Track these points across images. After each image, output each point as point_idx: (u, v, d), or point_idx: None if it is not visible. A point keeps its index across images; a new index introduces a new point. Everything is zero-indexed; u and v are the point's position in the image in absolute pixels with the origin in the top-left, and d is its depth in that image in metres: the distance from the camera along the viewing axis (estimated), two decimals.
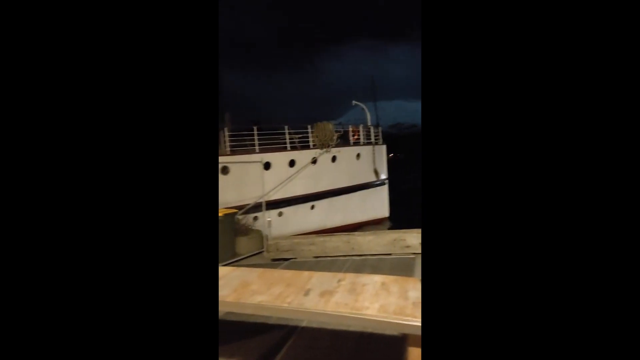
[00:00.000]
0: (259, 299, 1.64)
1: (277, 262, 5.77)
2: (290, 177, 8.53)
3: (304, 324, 2.65)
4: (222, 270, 2.11)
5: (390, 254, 5.39)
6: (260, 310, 1.60)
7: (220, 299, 1.69)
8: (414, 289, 1.69)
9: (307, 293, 1.70)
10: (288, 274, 1.97)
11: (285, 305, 1.58)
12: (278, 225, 8.06)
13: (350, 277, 1.90)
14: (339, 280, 1.85)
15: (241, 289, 1.77)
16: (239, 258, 6.05)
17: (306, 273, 1.96)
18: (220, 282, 1.89)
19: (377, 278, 1.86)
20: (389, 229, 9.08)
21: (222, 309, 1.68)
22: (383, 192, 11.16)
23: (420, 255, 5.11)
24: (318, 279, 1.87)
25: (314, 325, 2.62)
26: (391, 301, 1.57)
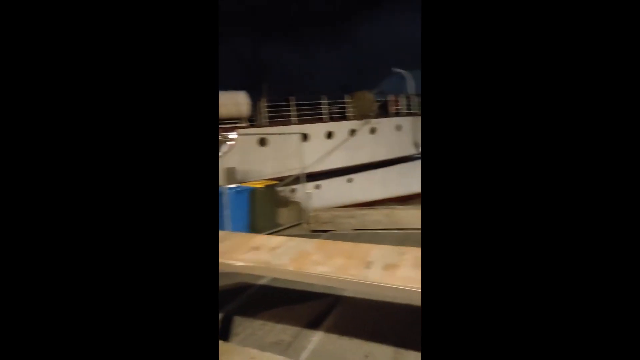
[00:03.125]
0: (320, 269, 1.60)
1: (317, 233, 5.82)
2: (331, 150, 8.41)
3: (349, 294, 2.64)
4: (277, 240, 2.10)
5: None
6: (323, 281, 1.55)
7: (279, 267, 1.67)
8: None
9: (368, 266, 1.63)
10: (347, 245, 1.90)
11: (349, 277, 1.52)
12: (315, 197, 8.09)
13: (413, 251, 1.79)
14: (402, 254, 1.76)
15: (301, 259, 1.73)
16: (280, 229, 6.17)
17: (366, 245, 1.89)
18: (277, 251, 1.88)
19: None
20: None
21: (284, 277, 1.66)
22: None
23: None
24: (379, 252, 1.80)
25: (361, 295, 2.60)
26: None
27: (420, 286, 1.41)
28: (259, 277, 3.07)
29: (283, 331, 2.20)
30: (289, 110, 8.36)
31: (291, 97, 8.35)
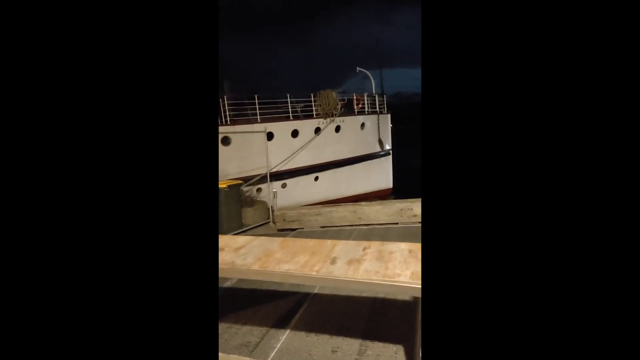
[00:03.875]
0: (285, 267, 1.59)
1: (284, 232, 5.79)
2: (297, 149, 8.38)
3: (316, 291, 2.66)
4: (241, 240, 2.06)
5: (397, 223, 5.40)
6: (288, 279, 1.55)
7: (244, 267, 1.64)
8: None
9: (333, 261, 1.65)
10: (311, 242, 1.91)
11: (314, 273, 1.53)
12: (282, 196, 8.04)
13: (375, 245, 1.84)
14: (364, 248, 1.80)
15: (265, 259, 1.71)
16: (246, 229, 6.06)
17: (329, 242, 1.91)
18: (241, 251, 1.84)
19: (404, 245, 1.81)
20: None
21: (248, 277, 1.63)
22: (387, 163, 11.06)
23: None
24: (342, 248, 1.82)
25: (327, 292, 2.63)
26: None
27: (382, 278, 1.45)
28: (225, 279, 3.00)
29: (250, 332, 2.17)
30: (252, 109, 8.21)
31: (255, 96, 8.20)
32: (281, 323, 2.27)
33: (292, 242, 1.95)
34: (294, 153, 8.34)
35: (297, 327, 2.18)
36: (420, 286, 1.39)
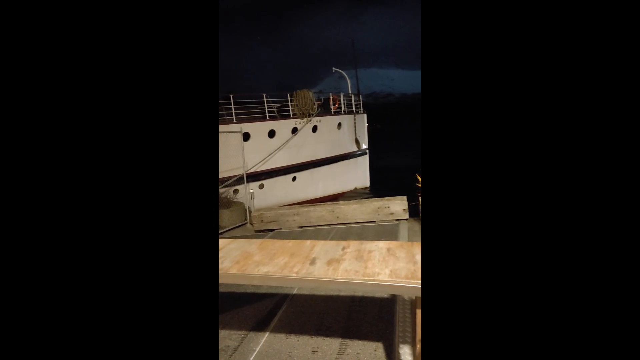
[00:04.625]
0: (264, 269, 1.58)
1: (262, 233, 5.73)
2: (274, 149, 8.30)
3: (295, 292, 2.66)
4: (219, 243, 2.01)
5: (374, 222, 5.48)
6: (267, 281, 1.53)
7: (222, 271, 1.61)
8: (420, 253, 1.69)
9: (313, 262, 1.65)
10: (290, 243, 1.90)
11: (294, 275, 1.52)
12: (259, 197, 7.95)
13: (354, 244, 1.86)
14: (344, 248, 1.81)
15: (244, 261, 1.69)
16: (223, 231, 5.94)
17: (308, 242, 1.91)
18: (219, 255, 1.80)
19: (382, 244, 1.84)
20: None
21: (226, 281, 1.60)
22: (364, 162, 11.19)
23: (403, 222, 5.23)
24: (322, 248, 1.83)
25: (306, 292, 2.63)
26: (401, 266, 1.55)
27: (362, 278, 1.47)
28: None
29: (228, 336, 2.13)
30: (227, 109, 8.05)
31: (230, 95, 8.04)
32: (260, 325, 2.24)
33: (271, 244, 1.93)
34: (271, 154, 8.26)
35: (277, 329, 2.16)
36: (399, 284, 1.42)
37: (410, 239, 4.39)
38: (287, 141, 8.49)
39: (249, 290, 2.78)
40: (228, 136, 7.31)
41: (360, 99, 10.94)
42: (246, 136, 7.84)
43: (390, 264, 1.58)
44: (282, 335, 2.09)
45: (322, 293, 2.59)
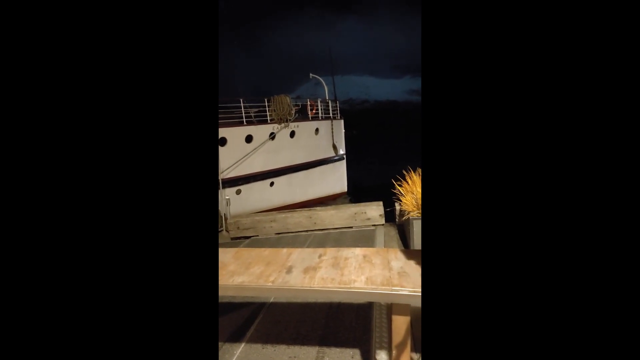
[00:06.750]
0: (239, 279, 1.55)
1: (238, 240, 5.62)
2: (249, 153, 8.19)
3: (271, 301, 2.62)
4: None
5: (351, 227, 5.52)
6: (243, 292, 1.50)
7: None
8: (396, 259, 1.71)
9: (289, 270, 1.64)
10: (266, 252, 1.88)
11: (270, 284, 1.50)
12: (236, 203, 7.81)
13: (331, 251, 1.86)
14: (320, 256, 1.81)
15: (218, 271, 1.65)
16: None
17: (284, 250, 1.89)
18: None
19: (358, 251, 1.85)
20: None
21: None
22: (342, 167, 11.27)
23: (380, 227, 5.31)
24: (298, 256, 1.82)
25: (282, 300, 2.60)
26: (377, 273, 1.57)
27: (338, 285, 1.47)
28: None
29: None
30: None
31: None
32: (236, 336, 2.19)
33: (246, 253, 1.90)
34: (244, 157, 8.14)
35: (253, 339, 2.12)
36: (375, 291, 1.44)
37: (386, 243, 4.46)
38: (263, 143, 8.41)
39: (224, 300, 2.72)
40: None
41: (337, 105, 11.05)
42: (223, 141, 7.71)
43: (367, 271, 1.59)
44: (259, 346, 2.05)
45: (299, 301, 2.57)
